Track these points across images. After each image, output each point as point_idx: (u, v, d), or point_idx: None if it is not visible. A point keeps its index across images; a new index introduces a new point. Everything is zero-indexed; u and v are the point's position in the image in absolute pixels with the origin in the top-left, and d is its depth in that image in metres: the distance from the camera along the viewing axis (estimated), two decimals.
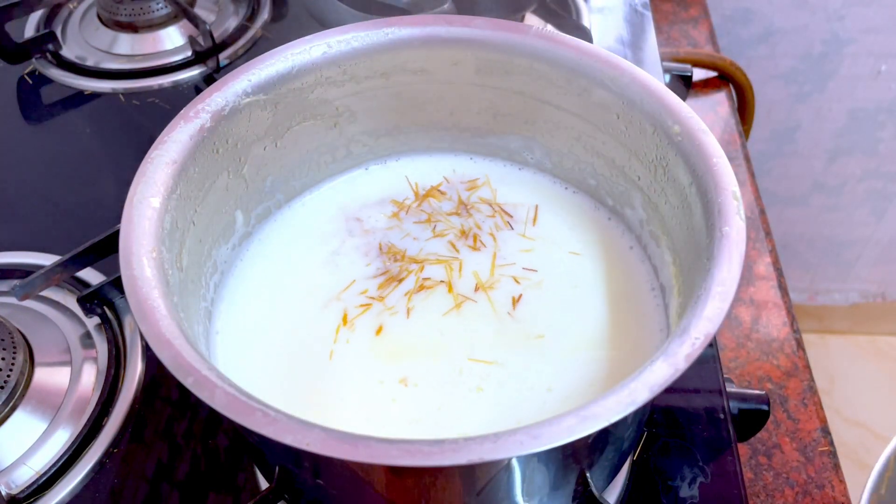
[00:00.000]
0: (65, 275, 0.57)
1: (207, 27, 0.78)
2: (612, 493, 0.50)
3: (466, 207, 0.54)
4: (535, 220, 0.53)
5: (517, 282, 0.50)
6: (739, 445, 0.53)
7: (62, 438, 0.52)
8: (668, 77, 0.82)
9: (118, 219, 0.41)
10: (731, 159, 0.42)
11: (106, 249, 0.57)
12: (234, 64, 0.81)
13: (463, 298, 0.49)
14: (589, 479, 0.42)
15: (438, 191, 0.55)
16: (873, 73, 1.29)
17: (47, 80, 0.80)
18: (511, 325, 0.48)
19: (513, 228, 0.53)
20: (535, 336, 0.47)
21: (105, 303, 0.58)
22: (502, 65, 0.51)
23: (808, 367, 0.70)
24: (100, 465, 0.51)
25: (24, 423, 0.52)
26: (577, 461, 0.41)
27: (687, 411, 0.54)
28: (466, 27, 0.50)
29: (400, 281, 0.50)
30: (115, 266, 0.39)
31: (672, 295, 0.46)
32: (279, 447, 0.33)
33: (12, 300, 0.58)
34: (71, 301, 0.59)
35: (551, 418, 0.33)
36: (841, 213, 1.53)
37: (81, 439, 0.52)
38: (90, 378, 0.55)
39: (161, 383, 0.55)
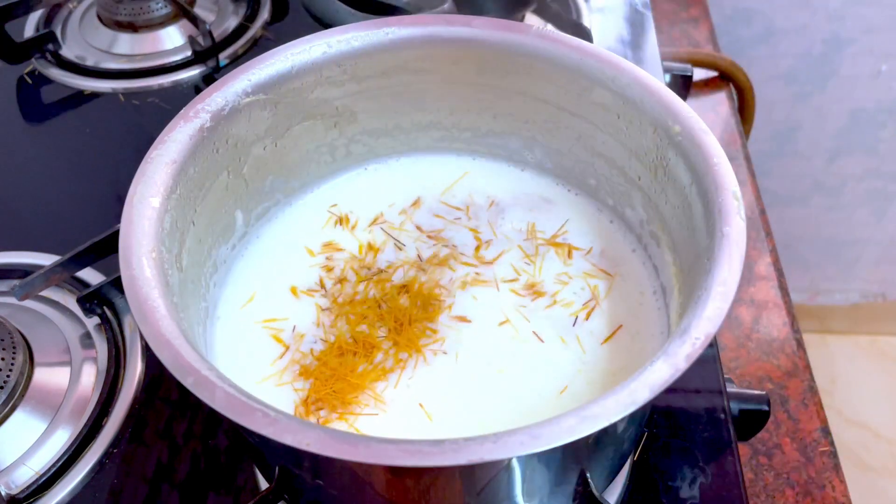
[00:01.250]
0: (65, 275, 0.57)
1: (207, 27, 0.78)
2: (613, 493, 0.50)
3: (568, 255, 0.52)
4: (607, 339, 0.47)
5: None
6: (740, 445, 0.53)
7: (62, 438, 0.52)
8: (668, 77, 0.82)
9: (118, 219, 0.41)
10: (731, 159, 0.42)
11: (106, 249, 0.57)
12: (234, 64, 0.81)
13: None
14: (589, 479, 0.42)
15: (557, 245, 0.52)
16: (873, 73, 1.29)
17: (47, 80, 0.80)
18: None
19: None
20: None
21: (105, 303, 0.58)
22: (502, 65, 0.51)
23: (808, 367, 0.70)
24: (100, 465, 0.51)
25: (24, 423, 0.52)
26: (577, 461, 0.41)
27: (687, 411, 0.54)
28: (466, 27, 0.50)
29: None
30: (115, 266, 0.39)
31: (672, 295, 0.46)
32: (279, 447, 0.33)
33: (12, 300, 0.58)
34: (71, 301, 0.59)
35: (551, 418, 0.33)
36: (841, 213, 1.53)
37: (81, 439, 0.52)
38: (90, 378, 0.55)
39: (161, 383, 0.55)
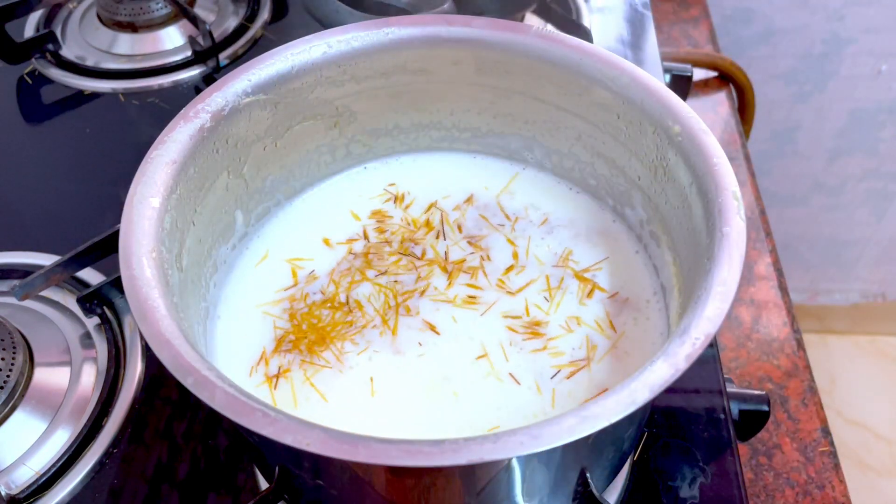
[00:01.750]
0: (65, 275, 0.57)
1: (207, 27, 0.78)
2: (613, 493, 0.50)
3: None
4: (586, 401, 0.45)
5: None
6: (739, 445, 0.53)
7: (62, 438, 0.52)
8: (668, 77, 0.82)
9: (118, 219, 0.41)
10: (731, 159, 0.42)
11: (106, 249, 0.57)
12: (234, 64, 0.81)
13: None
14: (589, 479, 0.42)
15: (583, 279, 0.50)
16: (873, 73, 1.29)
17: (47, 80, 0.80)
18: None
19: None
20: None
21: (105, 303, 0.58)
22: (502, 65, 0.51)
23: (808, 367, 0.70)
24: (100, 465, 0.51)
25: (24, 423, 0.52)
26: (577, 461, 0.41)
27: (687, 411, 0.54)
28: (466, 27, 0.50)
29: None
30: (115, 266, 0.39)
31: (672, 295, 0.46)
32: (279, 447, 0.33)
33: (12, 300, 0.58)
34: (71, 301, 0.59)
35: (551, 418, 0.33)
36: (841, 213, 1.53)
37: (81, 439, 0.52)
38: (90, 378, 0.55)
39: (161, 383, 0.55)
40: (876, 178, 1.47)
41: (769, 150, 1.42)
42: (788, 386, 0.68)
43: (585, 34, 0.74)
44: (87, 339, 0.57)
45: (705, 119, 0.44)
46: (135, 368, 0.56)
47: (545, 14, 0.78)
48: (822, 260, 1.64)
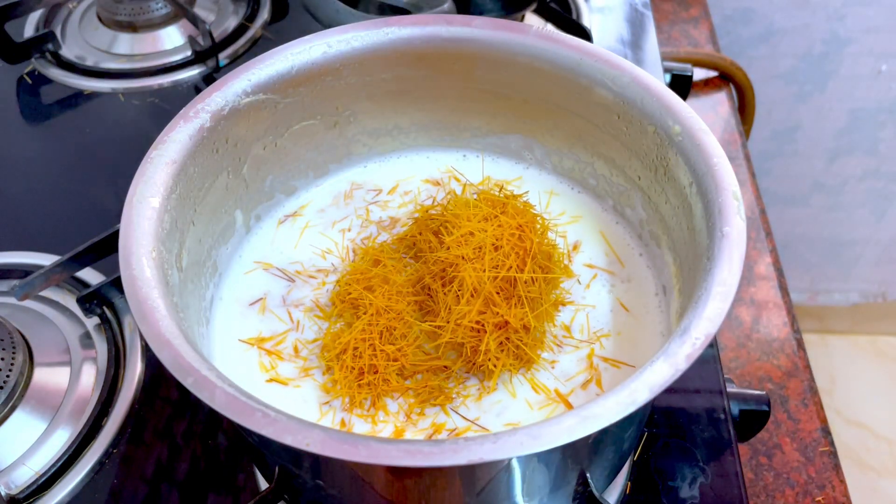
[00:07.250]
0: (65, 275, 0.57)
1: (207, 27, 0.78)
2: (613, 493, 0.50)
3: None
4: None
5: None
6: (740, 446, 0.53)
7: (62, 438, 0.52)
8: (668, 77, 0.82)
9: (118, 219, 0.41)
10: (731, 159, 0.42)
11: (106, 249, 0.57)
12: (234, 64, 0.81)
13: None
14: (589, 480, 0.42)
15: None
16: (873, 73, 1.29)
17: (47, 80, 0.80)
18: None
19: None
20: None
21: (105, 303, 0.58)
22: (502, 64, 0.51)
23: (808, 367, 0.70)
24: (100, 465, 0.51)
25: (24, 423, 0.52)
26: (577, 461, 0.41)
27: (687, 411, 0.54)
28: (466, 27, 0.50)
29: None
30: (115, 266, 0.39)
31: (673, 295, 0.46)
32: (279, 447, 0.33)
33: (12, 300, 0.58)
34: (71, 301, 0.59)
35: (552, 418, 0.33)
36: (841, 213, 1.53)
37: (81, 439, 0.52)
38: (90, 378, 0.55)
39: (161, 383, 0.55)
40: (876, 178, 1.47)
41: (769, 150, 1.42)
42: (788, 386, 0.68)
43: (585, 34, 0.74)
44: (86, 339, 0.57)
45: (705, 119, 0.44)
46: (135, 368, 0.56)
47: (545, 14, 0.78)
48: (822, 260, 1.64)
